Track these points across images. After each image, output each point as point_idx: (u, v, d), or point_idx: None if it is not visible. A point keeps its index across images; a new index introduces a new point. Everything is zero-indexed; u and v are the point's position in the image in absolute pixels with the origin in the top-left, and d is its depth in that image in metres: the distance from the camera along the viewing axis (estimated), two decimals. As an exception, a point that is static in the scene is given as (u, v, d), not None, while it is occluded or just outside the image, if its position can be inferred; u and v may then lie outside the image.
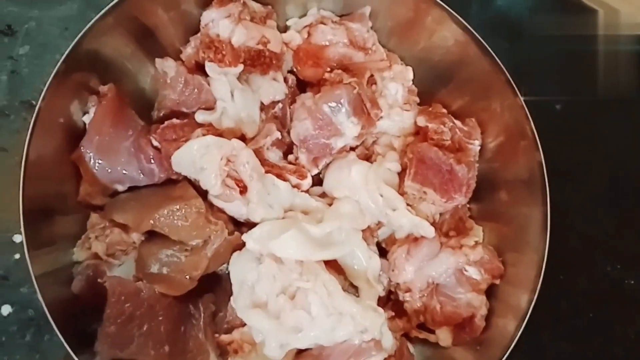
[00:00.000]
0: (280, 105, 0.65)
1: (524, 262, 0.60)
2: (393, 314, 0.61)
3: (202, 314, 0.58)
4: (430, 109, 0.66)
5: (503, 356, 0.56)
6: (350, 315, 0.53)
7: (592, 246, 0.78)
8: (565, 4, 0.89)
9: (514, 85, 0.63)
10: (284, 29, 0.69)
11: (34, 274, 0.51)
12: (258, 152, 0.60)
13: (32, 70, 0.70)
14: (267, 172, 0.59)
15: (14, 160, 0.66)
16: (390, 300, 0.63)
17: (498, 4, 0.88)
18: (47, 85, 0.56)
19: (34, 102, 0.69)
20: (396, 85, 0.66)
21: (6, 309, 0.62)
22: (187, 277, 0.56)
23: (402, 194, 0.60)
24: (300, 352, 0.57)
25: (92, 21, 0.58)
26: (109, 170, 0.59)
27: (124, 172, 0.60)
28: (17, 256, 0.64)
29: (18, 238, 0.64)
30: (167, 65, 0.61)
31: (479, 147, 0.65)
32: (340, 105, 0.60)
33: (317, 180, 0.65)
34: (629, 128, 0.84)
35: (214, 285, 0.61)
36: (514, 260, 0.62)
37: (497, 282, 0.61)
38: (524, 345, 0.62)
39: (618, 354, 0.74)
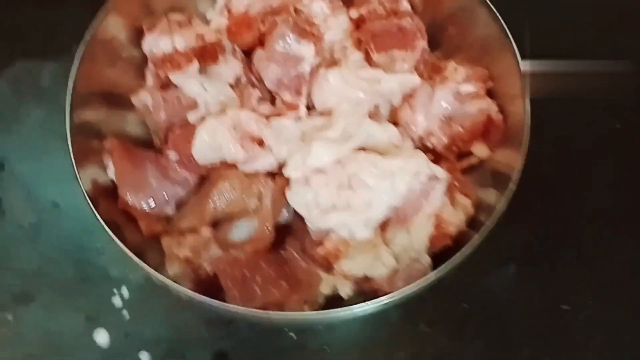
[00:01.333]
0: (243, 77, 0.74)
1: (500, 57, 0.68)
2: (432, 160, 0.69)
3: (294, 251, 0.65)
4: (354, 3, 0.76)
5: (524, 135, 0.63)
6: (399, 168, 0.61)
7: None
8: None
9: None
10: (208, 23, 0.78)
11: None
12: (252, 112, 0.68)
13: (39, 179, 0.78)
14: (268, 120, 0.67)
15: (74, 252, 0.74)
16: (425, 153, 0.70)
17: None
18: (77, 173, 0.63)
19: (58, 202, 0.76)
20: (317, 3, 0.74)
21: (145, 356, 0.68)
22: (266, 230, 0.64)
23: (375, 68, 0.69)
24: (384, 225, 0.64)
25: (68, 112, 0.66)
26: (151, 200, 0.67)
27: (164, 194, 0.67)
28: (126, 315, 0.70)
29: (118, 301, 0.71)
30: (143, 97, 0.69)
31: (408, 5, 0.74)
32: (287, 37, 0.69)
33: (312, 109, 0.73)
34: None
35: (289, 233, 0.68)
36: (494, 60, 0.70)
37: (491, 83, 0.69)
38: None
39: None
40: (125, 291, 0.71)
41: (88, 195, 0.61)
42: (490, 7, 0.67)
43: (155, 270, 0.64)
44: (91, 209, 0.60)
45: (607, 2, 0.88)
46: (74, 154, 0.63)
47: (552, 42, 0.80)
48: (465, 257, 0.60)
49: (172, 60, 0.70)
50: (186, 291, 0.57)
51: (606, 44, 0.84)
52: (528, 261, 0.72)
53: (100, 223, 0.60)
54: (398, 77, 0.67)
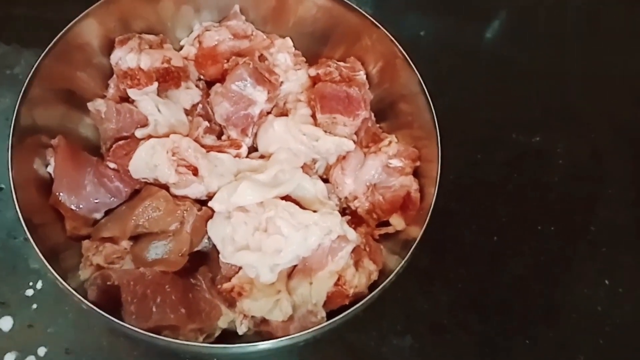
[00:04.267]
0: (200, 105, 0.79)
1: (429, 144, 0.74)
2: (353, 224, 0.74)
3: (203, 281, 0.68)
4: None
5: (429, 211, 0.69)
6: (314, 223, 0.66)
7: (492, 125, 0.94)
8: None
9: (376, 23, 0.78)
10: (180, 49, 0.83)
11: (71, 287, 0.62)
12: (196, 141, 0.73)
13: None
14: (208, 152, 0.72)
15: (3, 234, 0.76)
16: (347, 214, 0.75)
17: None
18: (9, 160, 0.66)
19: (1, 185, 0.79)
20: (283, 54, 0.80)
21: (42, 350, 0.70)
22: (179, 254, 0.67)
23: (318, 127, 0.74)
24: (290, 273, 0.68)
25: (19, 98, 0.69)
26: (83, 204, 0.70)
27: (96, 200, 0.71)
28: (34, 306, 0.72)
29: (30, 292, 0.73)
30: (98, 104, 0.74)
31: (364, 76, 0.80)
32: (244, 80, 0.74)
33: (253, 151, 0.78)
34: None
35: (205, 261, 0.72)
36: (424, 145, 0.76)
37: (418, 163, 0.75)
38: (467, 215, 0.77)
39: (537, 203, 0.88)
40: (40, 285, 0.73)
41: (14, 187, 0.64)
42: (428, 99, 0.73)
43: (69, 271, 0.68)
44: (14, 201, 0.63)
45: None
46: (12, 143, 0.67)
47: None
48: (358, 315, 0.64)
49: (133, 77, 0.74)
50: (85, 301, 0.60)
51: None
52: (423, 335, 0.76)
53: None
54: (335, 140, 0.72)
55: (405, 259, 0.65)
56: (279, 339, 0.63)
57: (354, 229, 0.72)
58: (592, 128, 0.96)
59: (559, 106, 0.97)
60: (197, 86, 0.80)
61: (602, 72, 1.00)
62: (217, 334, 0.67)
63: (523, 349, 0.79)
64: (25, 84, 0.69)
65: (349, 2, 0.80)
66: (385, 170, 0.73)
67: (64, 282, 0.61)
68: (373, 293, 0.64)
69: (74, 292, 0.61)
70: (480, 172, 0.89)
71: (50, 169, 0.71)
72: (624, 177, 0.93)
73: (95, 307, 0.60)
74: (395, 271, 0.65)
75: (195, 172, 0.70)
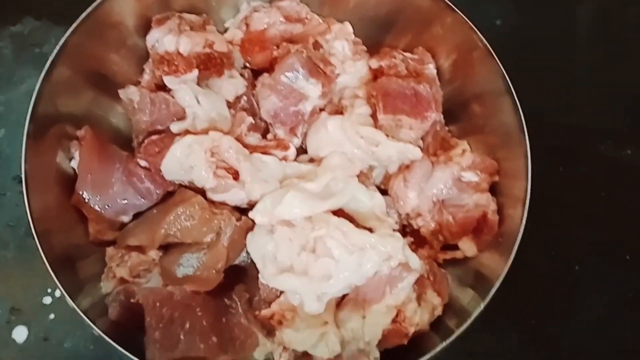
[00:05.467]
0: (244, 97, 0.69)
1: (513, 156, 0.63)
2: (413, 245, 0.63)
3: (239, 303, 0.59)
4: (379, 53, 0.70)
5: (515, 243, 0.58)
6: (371, 246, 0.55)
7: (577, 133, 0.81)
8: None
9: (452, 5, 0.67)
10: (224, 32, 0.73)
11: (83, 309, 0.54)
12: (238, 140, 0.63)
13: (13, 148, 0.73)
14: (251, 153, 0.62)
15: (22, 231, 0.69)
16: (407, 233, 0.65)
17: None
18: (23, 150, 0.59)
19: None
20: (340, 42, 0.70)
21: None
22: (213, 271, 0.58)
23: (379, 129, 0.63)
24: (339, 302, 0.58)
25: (40, 79, 0.61)
26: (110, 204, 0.62)
27: (124, 201, 0.63)
28: (51, 316, 0.66)
29: (48, 300, 0.66)
30: (131, 92, 0.65)
31: (434, 70, 0.69)
32: (295, 71, 0.64)
33: (303, 152, 0.68)
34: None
35: (242, 278, 0.63)
36: (505, 156, 0.64)
37: (496, 178, 0.63)
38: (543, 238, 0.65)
39: (628, 228, 0.76)
40: (58, 292, 0.66)
41: (26, 182, 0.56)
42: (514, 99, 0.61)
43: (89, 281, 0.60)
44: (25, 200, 0.55)
45: None
46: (27, 135, 0.59)
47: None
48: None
49: (170, 62, 0.65)
50: (95, 329, 0.52)
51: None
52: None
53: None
54: (399, 146, 0.62)
55: (487, 300, 0.54)
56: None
57: (415, 251, 0.62)
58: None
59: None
60: (241, 75, 0.70)
61: None
62: (251, 366, 0.59)
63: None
64: (48, 63, 0.61)
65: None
66: (456, 184, 0.62)
67: (73, 304, 0.53)
68: (444, 344, 0.53)
69: (84, 316, 0.53)
70: (562, 188, 0.77)
71: (74, 164, 0.63)
72: None
73: (107, 337, 0.51)
74: (473, 316, 0.54)
75: (235, 176, 0.60)
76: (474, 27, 0.66)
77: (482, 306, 0.56)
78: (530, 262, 0.72)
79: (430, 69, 0.68)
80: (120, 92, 0.66)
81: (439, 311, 0.59)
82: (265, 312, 0.57)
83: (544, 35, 0.88)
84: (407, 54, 0.68)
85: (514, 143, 0.61)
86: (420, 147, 0.65)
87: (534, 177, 0.63)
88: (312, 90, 0.64)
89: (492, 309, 0.67)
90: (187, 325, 0.54)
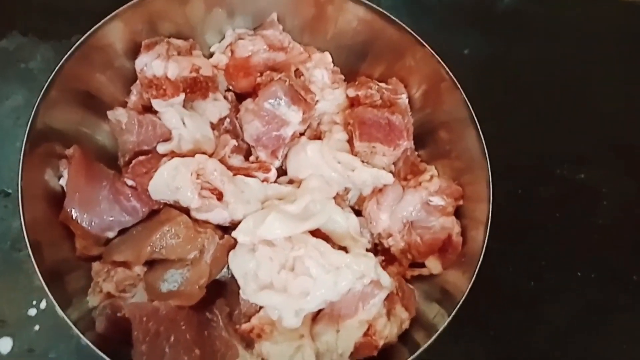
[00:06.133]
0: (228, 120, 0.73)
1: (476, 181, 0.68)
2: (384, 263, 0.68)
3: (220, 316, 0.63)
4: (356, 82, 0.75)
5: (478, 263, 0.63)
6: (346, 265, 0.60)
7: (535, 155, 0.88)
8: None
9: (421, 40, 0.72)
10: (210, 56, 0.77)
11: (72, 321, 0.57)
12: (222, 162, 0.67)
13: (-2, 163, 0.75)
14: (235, 175, 0.66)
15: (7, 245, 0.71)
16: (379, 252, 0.69)
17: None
18: (20, 166, 0.61)
19: (9, 190, 0.74)
20: (320, 70, 0.74)
21: None
22: (196, 287, 0.62)
23: (355, 155, 0.68)
24: (315, 316, 0.62)
25: (38, 100, 0.63)
26: (96, 221, 0.65)
27: (110, 218, 0.65)
28: (36, 327, 0.67)
29: (32, 311, 0.68)
30: (119, 114, 0.68)
31: (406, 100, 0.74)
32: (278, 98, 0.68)
33: (282, 172, 0.72)
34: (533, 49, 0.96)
35: (223, 292, 0.66)
36: (469, 181, 0.70)
37: (461, 202, 0.69)
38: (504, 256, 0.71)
39: (579, 246, 0.83)
40: (43, 304, 0.68)
41: (22, 198, 0.59)
42: (477, 131, 0.66)
43: (76, 294, 0.63)
44: (20, 212, 0.58)
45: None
46: (25, 149, 0.61)
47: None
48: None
49: (159, 86, 0.68)
50: (84, 339, 0.55)
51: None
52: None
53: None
54: (372, 172, 0.66)
55: (451, 316, 0.59)
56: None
57: (385, 267, 0.67)
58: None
59: (609, 142, 0.90)
60: (225, 97, 0.74)
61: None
62: (231, 376, 0.62)
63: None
64: (45, 86, 0.64)
65: (391, 16, 0.73)
66: (424, 207, 0.67)
67: (63, 314, 0.56)
68: (412, 357, 0.58)
69: (73, 326, 0.55)
70: (521, 208, 0.83)
71: (62, 182, 0.65)
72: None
73: (96, 348, 0.54)
74: (439, 331, 0.59)
75: (220, 197, 0.64)
76: (440, 61, 0.71)
77: (446, 321, 0.61)
78: (493, 278, 0.77)
79: (403, 98, 0.73)
80: (109, 113, 0.68)
81: (406, 325, 0.64)
82: (245, 326, 0.61)
83: (508, 64, 0.94)
84: (382, 84, 0.73)
85: (477, 168, 0.67)
86: (392, 172, 0.69)
87: (495, 199, 0.68)
88: (293, 116, 0.68)
89: (457, 322, 0.72)
90: (172, 339, 0.58)
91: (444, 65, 0.71)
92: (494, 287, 0.77)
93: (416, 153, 0.75)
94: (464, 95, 0.69)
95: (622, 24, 0.99)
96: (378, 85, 0.73)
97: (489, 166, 0.67)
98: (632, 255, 0.85)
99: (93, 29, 0.67)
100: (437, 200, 0.67)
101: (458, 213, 0.69)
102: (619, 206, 0.87)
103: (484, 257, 0.75)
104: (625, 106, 0.93)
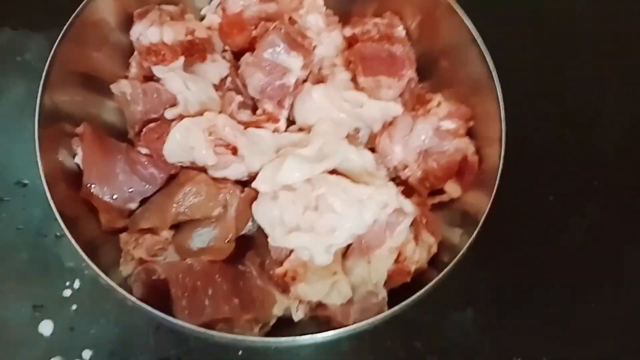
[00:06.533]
0: (229, 79, 0.73)
1: (485, 100, 0.68)
2: (403, 194, 0.68)
3: (252, 267, 0.64)
4: (350, 22, 0.75)
5: (496, 180, 0.63)
6: (368, 197, 0.60)
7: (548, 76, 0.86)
8: None
9: None
10: (202, 19, 0.77)
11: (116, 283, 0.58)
12: (230, 118, 0.67)
13: (9, 155, 0.75)
14: (245, 128, 0.66)
15: (32, 232, 0.72)
16: (397, 184, 0.70)
17: None
18: (38, 153, 0.61)
19: (25, 181, 0.74)
20: (313, 15, 0.73)
21: (87, 354, 0.66)
22: (226, 241, 0.63)
23: (361, 91, 0.68)
24: (345, 252, 0.63)
25: (40, 88, 0.64)
26: (117, 194, 0.65)
27: (130, 189, 0.66)
28: (74, 307, 0.68)
29: (68, 292, 0.69)
30: (123, 85, 0.68)
31: (403, 32, 0.74)
32: (276, 46, 0.67)
33: (291, 123, 0.72)
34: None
35: (251, 246, 0.67)
36: (478, 102, 0.70)
37: (472, 123, 0.69)
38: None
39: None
40: (77, 284, 0.69)
41: (46, 181, 0.59)
42: (481, 49, 0.66)
43: (109, 267, 0.64)
44: (47, 196, 0.58)
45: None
46: (39, 135, 0.62)
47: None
48: (423, 296, 0.60)
49: (157, 52, 0.68)
50: (131, 298, 0.56)
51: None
52: (486, 308, 0.72)
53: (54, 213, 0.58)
54: (381, 104, 0.66)
55: (474, 235, 0.60)
56: (339, 331, 0.58)
57: (406, 198, 0.67)
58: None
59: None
60: (223, 57, 0.74)
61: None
62: (272, 322, 0.63)
63: (590, 315, 0.74)
64: (45, 71, 0.64)
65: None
66: (436, 134, 0.67)
67: (108, 280, 0.57)
68: (441, 275, 0.59)
69: (120, 289, 0.56)
70: (533, 128, 0.82)
71: (78, 160, 0.66)
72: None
73: (144, 305, 0.55)
74: (462, 251, 0.60)
75: (234, 151, 0.64)
76: None
77: (470, 239, 0.61)
78: (510, 197, 0.78)
79: (400, 31, 0.73)
80: (112, 86, 0.69)
81: (434, 249, 0.65)
82: (278, 271, 0.62)
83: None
84: (377, 20, 0.73)
85: (485, 89, 0.66)
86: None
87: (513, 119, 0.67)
88: (294, 62, 0.68)
89: (482, 243, 0.73)
90: (210, 292, 0.59)
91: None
92: (513, 206, 0.77)
93: (420, 85, 0.75)
94: (463, 16, 0.68)
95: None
96: (373, 20, 0.72)
97: (498, 84, 0.66)
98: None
99: (81, 5, 0.67)
100: (448, 124, 0.67)
101: (471, 134, 0.69)
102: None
103: (500, 178, 0.75)
104: None
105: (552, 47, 0.87)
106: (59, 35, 0.67)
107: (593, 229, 0.79)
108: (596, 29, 0.89)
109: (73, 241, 0.57)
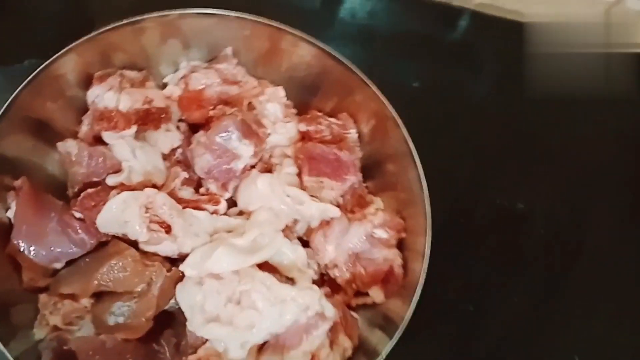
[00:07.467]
0: (179, 150, 0.74)
1: (417, 214, 0.71)
2: (330, 291, 0.70)
3: (167, 348, 0.64)
4: (308, 116, 0.78)
5: (416, 292, 0.66)
6: (291, 298, 0.62)
7: (473, 185, 0.92)
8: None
9: (367, 81, 0.74)
10: (163, 87, 0.78)
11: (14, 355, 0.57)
12: (172, 194, 0.68)
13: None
14: (184, 207, 0.67)
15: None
16: (325, 282, 0.72)
17: (341, 16, 1.02)
18: None
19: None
20: (273, 104, 0.76)
21: None
22: (143, 319, 0.63)
23: (303, 189, 0.70)
24: (260, 348, 0.64)
25: None
26: (44, 253, 0.65)
27: (58, 250, 0.65)
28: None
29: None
30: (69, 145, 0.68)
31: (356, 135, 0.77)
32: (229, 132, 0.70)
33: (233, 204, 0.74)
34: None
35: (170, 322, 0.67)
36: (410, 215, 0.73)
37: (404, 235, 0.72)
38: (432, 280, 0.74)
39: (516, 271, 0.87)
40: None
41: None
42: (417, 168, 0.69)
43: (24, 326, 0.63)
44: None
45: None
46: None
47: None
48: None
49: (110, 119, 0.69)
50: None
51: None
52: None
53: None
54: (320, 206, 0.69)
55: (392, 343, 0.62)
56: None
57: (331, 295, 0.69)
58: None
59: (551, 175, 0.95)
60: (178, 127, 0.75)
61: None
62: (178, 407, 0.63)
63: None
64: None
65: (340, 57, 0.75)
66: (369, 239, 0.70)
67: (4, 349, 0.55)
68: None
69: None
70: (461, 237, 0.87)
71: (10, 214, 0.65)
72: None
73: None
74: (382, 356, 0.62)
75: (168, 230, 0.65)
76: (384, 100, 0.73)
77: (388, 346, 0.63)
78: (434, 302, 0.81)
79: (352, 133, 0.76)
80: (59, 145, 0.69)
81: (349, 353, 0.67)
82: (192, 358, 0.62)
83: (455, 95, 0.98)
84: (332, 120, 0.76)
85: (417, 202, 0.69)
86: (339, 205, 0.72)
87: (438, 229, 0.70)
88: (245, 150, 0.70)
89: (399, 350, 0.75)
90: (119, 373, 0.58)
91: (388, 104, 0.74)
92: (435, 312, 0.81)
93: (364, 185, 0.78)
94: (406, 134, 0.72)
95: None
96: (328, 120, 0.76)
97: (427, 202, 0.69)
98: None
99: (48, 61, 0.68)
100: (381, 233, 0.70)
101: (400, 245, 0.72)
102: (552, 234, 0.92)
103: (426, 282, 0.79)
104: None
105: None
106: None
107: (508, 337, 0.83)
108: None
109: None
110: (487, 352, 0.82)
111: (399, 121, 0.72)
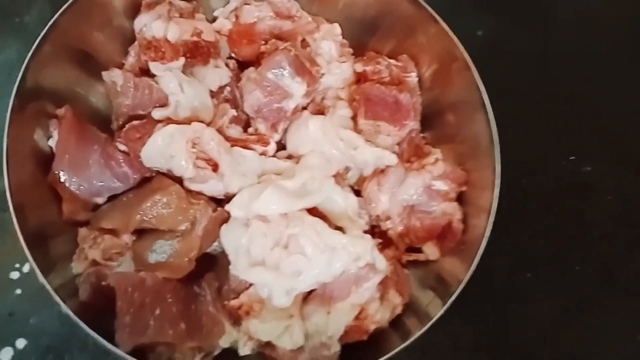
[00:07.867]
0: (228, 88, 0.70)
1: (482, 167, 0.66)
2: (380, 245, 0.66)
3: (208, 291, 0.61)
4: (364, 57, 0.72)
5: (477, 252, 0.60)
6: (342, 246, 0.58)
7: (542, 147, 0.85)
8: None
9: (436, 17, 0.68)
10: (212, 21, 0.73)
11: (53, 287, 0.54)
12: (219, 132, 0.64)
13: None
14: (232, 146, 0.63)
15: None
16: (376, 234, 0.67)
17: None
18: (7, 123, 0.59)
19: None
20: (328, 42, 0.71)
21: (21, 343, 0.64)
22: (186, 259, 0.60)
23: (358, 133, 0.65)
24: (306, 297, 0.61)
25: (29, 55, 0.61)
26: (85, 185, 0.62)
27: (100, 183, 0.63)
28: (18, 291, 0.66)
29: (15, 274, 0.66)
30: (115, 75, 0.65)
31: (416, 79, 0.71)
32: (282, 69, 0.65)
33: (282, 147, 0.69)
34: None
35: (212, 266, 0.64)
36: (474, 167, 0.67)
37: (464, 188, 0.66)
38: (501, 245, 0.69)
39: (578, 241, 0.81)
40: (27, 268, 0.66)
41: (8, 155, 0.56)
42: (488, 115, 0.63)
43: (61, 259, 0.61)
44: (4, 170, 0.55)
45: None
46: (14, 104, 0.58)
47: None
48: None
49: (158, 49, 0.65)
50: (65, 308, 0.53)
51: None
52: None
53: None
54: (376, 151, 0.64)
55: (447, 304, 0.57)
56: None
57: (381, 250, 0.65)
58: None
59: (618, 139, 0.87)
60: (227, 65, 0.71)
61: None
62: (216, 352, 0.60)
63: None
64: (40, 37, 0.61)
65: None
66: (426, 192, 0.65)
67: (44, 280, 0.53)
68: (403, 345, 0.56)
69: (54, 293, 0.53)
70: (523, 200, 0.81)
71: (52, 143, 0.63)
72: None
73: (76, 318, 0.52)
74: (433, 320, 0.57)
75: (215, 167, 0.61)
76: (455, 39, 0.67)
77: (442, 310, 0.59)
78: (488, 268, 0.76)
79: (412, 77, 0.70)
80: (104, 74, 0.65)
81: (399, 310, 0.62)
82: (233, 303, 0.59)
83: (522, 49, 0.91)
84: (392, 61, 0.70)
85: (484, 155, 0.63)
86: (395, 153, 0.67)
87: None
88: (297, 88, 0.65)
89: (448, 311, 0.71)
90: (157, 312, 0.56)
91: (458, 43, 0.67)
92: (489, 278, 0.75)
93: (421, 135, 0.72)
94: (476, 77, 0.66)
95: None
96: (387, 61, 0.69)
97: (497, 153, 0.64)
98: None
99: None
100: (440, 185, 0.64)
101: (461, 199, 0.67)
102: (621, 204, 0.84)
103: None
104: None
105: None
106: (63, 3, 0.63)
107: (563, 313, 0.77)
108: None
109: (17, 227, 0.54)
110: (540, 329, 0.76)
111: (470, 63, 0.65)
